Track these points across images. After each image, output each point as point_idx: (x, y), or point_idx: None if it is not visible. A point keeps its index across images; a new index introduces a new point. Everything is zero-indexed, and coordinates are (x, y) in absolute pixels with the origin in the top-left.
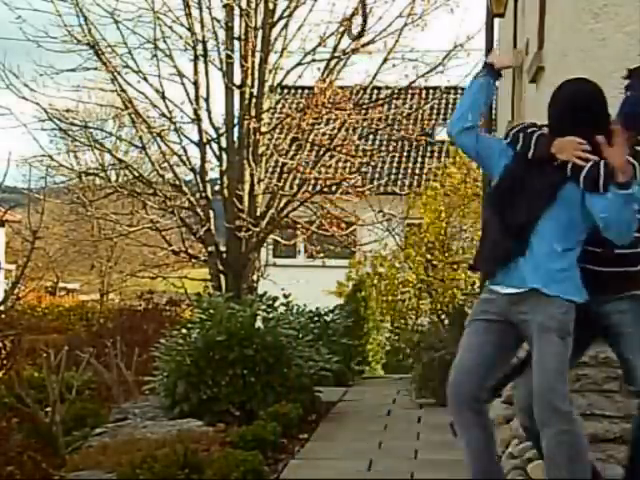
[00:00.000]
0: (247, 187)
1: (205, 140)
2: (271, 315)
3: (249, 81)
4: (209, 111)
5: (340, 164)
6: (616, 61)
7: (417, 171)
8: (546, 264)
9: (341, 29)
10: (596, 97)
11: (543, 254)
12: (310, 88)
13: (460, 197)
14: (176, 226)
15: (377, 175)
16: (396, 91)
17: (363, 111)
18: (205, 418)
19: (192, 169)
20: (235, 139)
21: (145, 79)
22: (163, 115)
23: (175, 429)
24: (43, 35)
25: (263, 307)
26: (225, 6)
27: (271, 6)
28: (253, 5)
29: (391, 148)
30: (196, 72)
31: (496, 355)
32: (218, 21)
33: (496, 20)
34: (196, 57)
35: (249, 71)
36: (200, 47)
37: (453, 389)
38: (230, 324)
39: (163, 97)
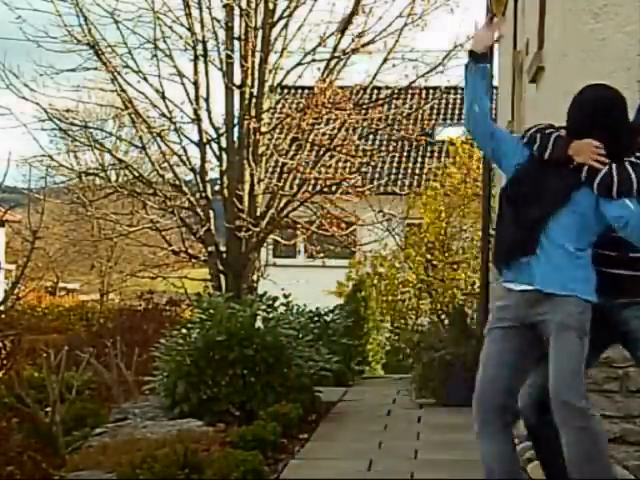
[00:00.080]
0: (247, 187)
1: (205, 140)
2: (271, 315)
3: (249, 81)
4: (209, 111)
5: (340, 164)
6: (616, 61)
7: (417, 171)
8: (561, 264)
9: (341, 29)
10: (617, 103)
11: (557, 254)
12: (310, 88)
13: (460, 197)
14: (176, 226)
15: (377, 175)
16: (396, 91)
17: (363, 111)
18: (205, 418)
19: (192, 169)
20: (235, 139)
21: (145, 79)
22: (163, 115)
23: (175, 429)
24: (43, 35)
25: (263, 307)
26: (225, 6)
27: (271, 6)
28: (253, 5)
29: (391, 148)
30: (196, 72)
31: (517, 361)
32: (218, 21)
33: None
34: (196, 57)
35: (249, 71)
36: (200, 47)
37: (478, 400)
38: (230, 324)
39: (163, 97)
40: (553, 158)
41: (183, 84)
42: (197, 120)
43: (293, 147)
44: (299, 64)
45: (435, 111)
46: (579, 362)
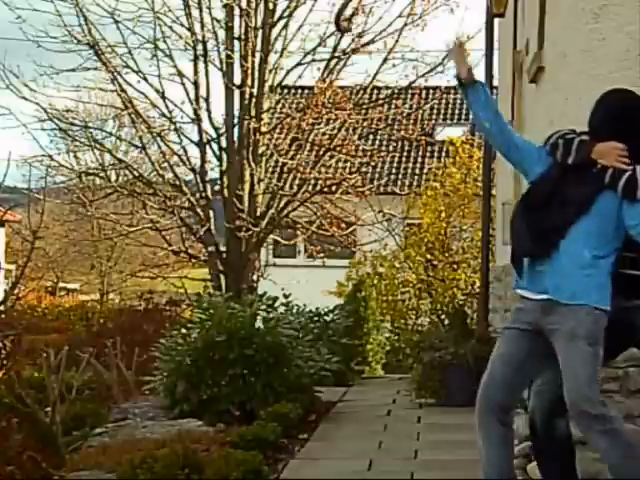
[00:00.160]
0: (247, 187)
1: (205, 140)
2: (271, 315)
3: (249, 81)
4: (209, 111)
5: (340, 164)
6: (616, 61)
7: (417, 171)
8: (575, 272)
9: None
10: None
11: (572, 262)
12: (310, 88)
13: (460, 197)
14: (176, 226)
15: (377, 175)
16: (396, 91)
17: (363, 111)
18: (205, 418)
19: (192, 169)
20: (235, 139)
21: (145, 79)
22: (163, 115)
23: (175, 429)
24: (43, 35)
25: (263, 307)
26: (225, 6)
27: (271, 6)
28: (253, 5)
29: (391, 148)
30: (196, 72)
31: (527, 364)
32: (218, 21)
33: (496, 20)
34: (196, 57)
35: (249, 71)
36: (200, 47)
37: (482, 396)
38: (230, 324)
39: (163, 97)
40: (577, 162)
41: (183, 84)
42: (197, 120)
43: (293, 147)
44: (299, 64)
45: (435, 111)
46: (591, 370)
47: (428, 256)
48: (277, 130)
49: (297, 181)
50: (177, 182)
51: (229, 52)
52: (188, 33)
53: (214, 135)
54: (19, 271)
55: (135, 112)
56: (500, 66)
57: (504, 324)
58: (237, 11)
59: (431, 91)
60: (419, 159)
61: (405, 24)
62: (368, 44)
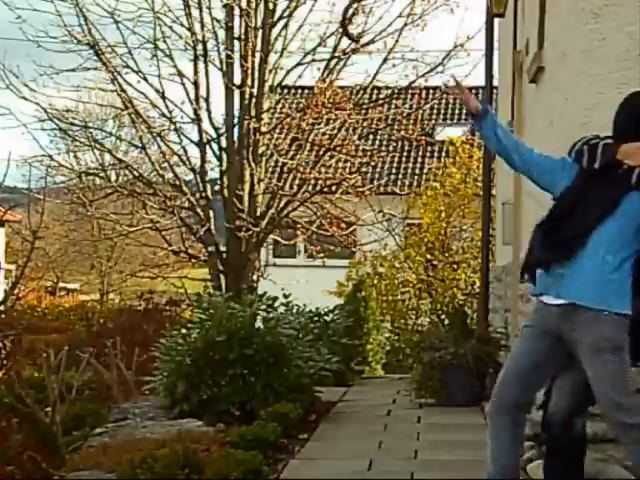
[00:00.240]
0: (247, 187)
1: (205, 140)
2: (271, 315)
3: (249, 81)
4: (209, 111)
5: (340, 164)
6: (616, 61)
7: (417, 171)
8: (597, 277)
9: (340, 29)
10: None
11: (594, 266)
12: (310, 88)
13: (460, 197)
14: (176, 226)
15: (377, 175)
16: (396, 91)
17: (363, 111)
18: (205, 418)
19: (192, 169)
20: (235, 139)
21: (145, 79)
22: (163, 115)
23: (175, 429)
24: (43, 35)
25: (263, 307)
26: (225, 6)
27: (271, 6)
28: (253, 5)
29: (391, 148)
30: (196, 72)
31: (544, 364)
32: (218, 21)
33: (496, 20)
34: (196, 57)
35: (249, 71)
36: (200, 47)
37: (496, 392)
38: (230, 324)
39: (163, 97)
40: (602, 164)
41: (183, 84)
42: (197, 120)
43: (293, 147)
44: (299, 64)
45: (435, 111)
46: (621, 378)
47: (428, 256)
48: (277, 130)
49: (297, 181)
50: (177, 182)
51: (229, 52)
52: (188, 33)
53: (214, 135)
54: (19, 271)
55: (135, 112)
56: (500, 66)
57: (523, 322)
58: (237, 11)
59: (431, 91)
60: (419, 159)
61: (405, 24)
62: (368, 44)
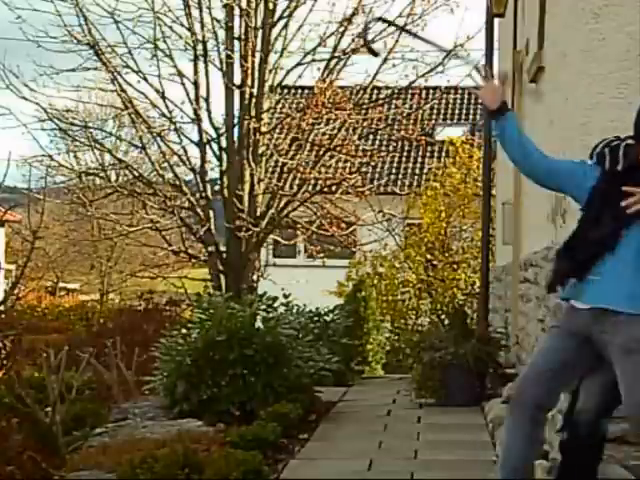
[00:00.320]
0: (247, 187)
1: (205, 140)
2: (271, 315)
3: (249, 81)
4: (209, 111)
5: (340, 164)
6: (616, 61)
7: (417, 171)
8: (627, 279)
9: (341, 29)
10: None
11: (624, 269)
12: (310, 88)
13: (460, 197)
14: (176, 226)
15: (377, 175)
16: (396, 91)
17: (363, 111)
18: (205, 418)
19: (192, 169)
20: (235, 139)
21: (145, 79)
22: (163, 115)
23: (175, 429)
24: (43, 35)
25: (263, 307)
26: (225, 6)
27: (271, 6)
28: (253, 5)
29: (391, 148)
30: (196, 72)
31: (567, 364)
32: (218, 21)
33: (496, 20)
34: (196, 57)
35: (249, 71)
36: (200, 47)
37: (517, 388)
38: (230, 324)
39: (163, 97)
40: (626, 166)
41: (183, 84)
42: (197, 120)
43: (293, 147)
44: (299, 64)
45: (435, 111)
46: None
47: (428, 256)
48: (277, 130)
49: (297, 181)
50: (177, 182)
51: (229, 52)
52: (188, 33)
53: (214, 135)
54: (19, 271)
55: (135, 112)
56: (500, 66)
57: (551, 323)
58: (237, 11)
59: (431, 91)
60: (419, 159)
61: (405, 24)
62: (368, 44)
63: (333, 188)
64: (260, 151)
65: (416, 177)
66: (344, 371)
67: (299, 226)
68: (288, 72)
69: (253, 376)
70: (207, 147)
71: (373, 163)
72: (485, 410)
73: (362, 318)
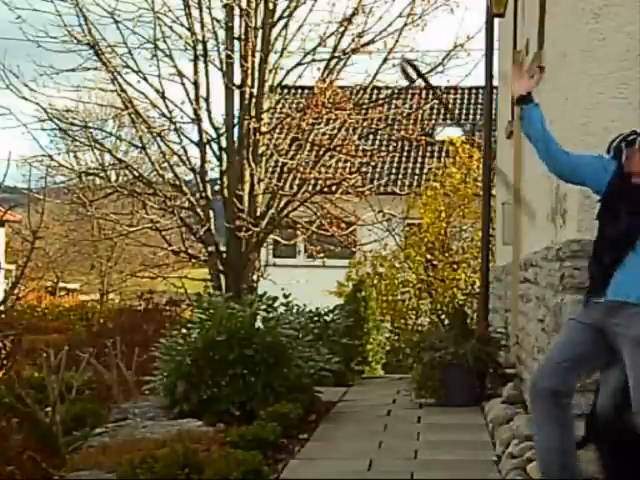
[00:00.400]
0: (247, 187)
1: (205, 140)
2: (271, 315)
3: (249, 81)
4: (209, 111)
5: (340, 164)
6: (616, 61)
7: (417, 171)
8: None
9: (341, 29)
10: None
11: (637, 262)
12: (310, 88)
13: (460, 197)
14: (176, 226)
15: (377, 175)
16: (396, 91)
17: (363, 111)
18: (205, 418)
19: (192, 169)
20: (235, 139)
21: (145, 79)
22: (163, 115)
23: (175, 429)
24: (43, 35)
25: (263, 307)
26: (225, 6)
27: (271, 6)
28: (253, 5)
29: (391, 148)
30: (196, 72)
31: (584, 356)
32: (218, 21)
33: (496, 20)
34: (196, 57)
35: (249, 71)
36: (200, 47)
37: (533, 378)
38: (230, 324)
39: (163, 97)
40: None
41: (183, 84)
42: (197, 120)
43: (293, 147)
44: (299, 64)
45: (435, 111)
46: None
47: (428, 256)
48: (277, 130)
49: (297, 181)
50: (177, 182)
51: (229, 52)
52: (188, 33)
53: (214, 135)
54: (19, 271)
55: (135, 112)
56: (500, 66)
57: (569, 316)
58: (237, 11)
59: (431, 91)
60: (419, 159)
61: (405, 24)
62: (368, 44)
63: (333, 188)
64: (260, 151)
65: (416, 177)
66: (344, 371)
67: (299, 226)
68: (288, 72)
69: (253, 376)
70: (207, 147)
71: (373, 163)
72: (485, 410)
73: (362, 318)
